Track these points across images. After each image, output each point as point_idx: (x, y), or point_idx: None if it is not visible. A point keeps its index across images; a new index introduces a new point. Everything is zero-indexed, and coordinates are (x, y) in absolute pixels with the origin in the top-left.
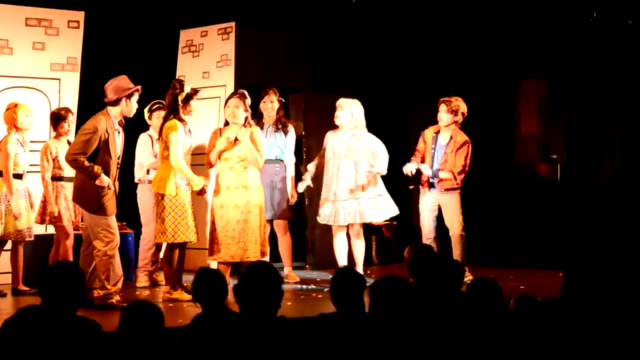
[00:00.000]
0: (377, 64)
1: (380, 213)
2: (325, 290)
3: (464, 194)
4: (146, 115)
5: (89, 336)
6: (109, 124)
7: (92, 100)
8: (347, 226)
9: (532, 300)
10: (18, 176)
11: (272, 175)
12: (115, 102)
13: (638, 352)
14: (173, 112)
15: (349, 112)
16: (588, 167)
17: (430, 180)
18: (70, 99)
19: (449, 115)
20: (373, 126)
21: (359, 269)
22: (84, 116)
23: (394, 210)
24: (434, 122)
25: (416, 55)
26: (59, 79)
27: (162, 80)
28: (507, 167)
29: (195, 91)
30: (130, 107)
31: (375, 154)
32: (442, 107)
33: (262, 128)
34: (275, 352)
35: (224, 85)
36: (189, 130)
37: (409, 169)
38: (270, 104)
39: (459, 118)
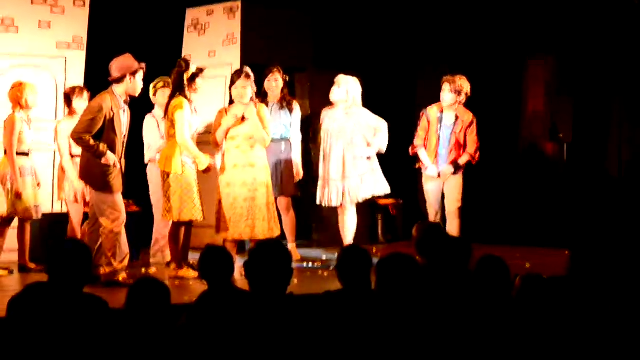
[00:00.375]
0: (383, 42)
1: (367, 190)
2: (332, 268)
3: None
4: (151, 92)
5: (96, 313)
6: (114, 102)
7: (98, 79)
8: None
9: (537, 279)
10: (24, 154)
11: (278, 154)
12: (120, 80)
13: None
14: (179, 90)
15: (345, 89)
16: (594, 146)
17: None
18: (76, 78)
19: (452, 95)
20: (379, 104)
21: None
22: (91, 95)
23: (384, 188)
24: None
25: (423, 32)
26: (65, 58)
27: (168, 59)
28: (513, 145)
29: (201, 70)
30: (135, 85)
31: (373, 131)
32: (445, 87)
33: (267, 106)
34: (285, 329)
35: (230, 64)
36: (195, 109)
37: (433, 172)
38: (275, 82)
39: (462, 98)
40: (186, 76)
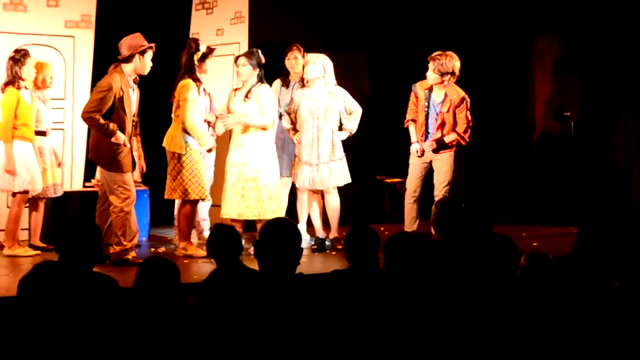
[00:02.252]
0: (390, 22)
1: (346, 174)
2: (339, 247)
3: (477, 151)
4: None
5: (105, 292)
6: (124, 81)
7: (106, 58)
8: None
9: (543, 257)
10: (41, 133)
11: (285, 132)
12: (129, 59)
13: None
14: (188, 71)
15: (321, 66)
16: (601, 124)
17: (433, 147)
18: (85, 57)
19: (435, 75)
20: (387, 85)
21: (335, 226)
22: (98, 74)
23: (349, 177)
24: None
25: (430, 12)
26: (73, 37)
27: (176, 37)
28: (519, 124)
29: (210, 50)
30: (144, 64)
31: (349, 111)
32: (430, 66)
33: (288, 85)
34: (294, 309)
35: (238, 43)
36: (204, 90)
37: (415, 148)
38: (295, 61)
39: (448, 78)
40: (196, 57)
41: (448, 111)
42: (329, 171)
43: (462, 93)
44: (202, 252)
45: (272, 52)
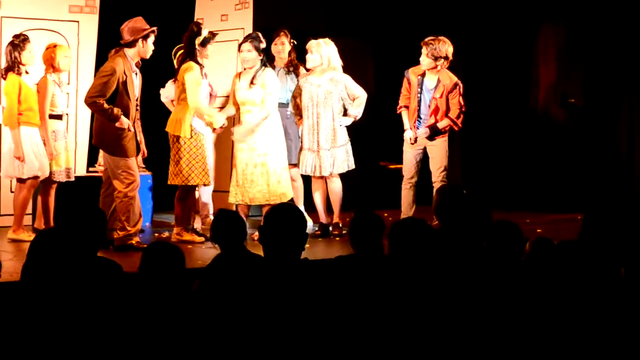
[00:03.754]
0: (394, 8)
1: (351, 160)
2: (344, 232)
3: (481, 138)
4: (175, 61)
5: (110, 277)
6: (127, 65)
7: (110, 43)
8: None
9: (547, 243)
10: (57, 117)
11: (284, 119)
12: (132, 44)
13: None
14: (190, 55)
15: (318, 55)
16: (605, 111)
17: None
18: (89, 42)
19: (428, 60)
20: (388, 70)
21: (338, 212)
22: (102, 59)
23: (353, 163)
24: (449, 68)
25: None
26: (78, 22)
27: (180, 23)
28: (523, 110)
29: (212, 35)
30: (147, 48)
31: (352, 97)
32: (423, 51)
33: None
34: (299, 294)
35: (242, 28)
36: (205, 75)
37: (409, 135)
38: (282, 46)
39: (442, 62)
40: (197, 41)
41: (441, 97)
42: (330, 158)
43: (455, 78)
44: (198, 238)
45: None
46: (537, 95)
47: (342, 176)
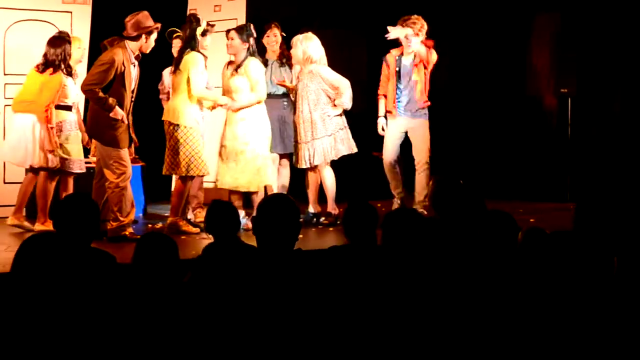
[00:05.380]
0: None
1: (341, 148)
2: (338, 222)
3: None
4: (172, 47)
5: (103, 268)
6: (126, 56)
7: (104, 34)
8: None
9: (540, 233)
10: (67, 108)
11: (280, 110)
12: (135, 38)
13: None
14: (191, 46)
15: (300, 49)
16: (599, 101)
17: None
18: (82, 33)
19: (416, 39)
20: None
21: (331, 201)
22: (95, 49)
23: (354, 146)
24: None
25: None
26: (71, 12)
27: (173, 13)
28: (517, 100)
29: (211, 26)
30: (149, 43)
31: (332, 87)
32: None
33: (266, 64)
34: (293, 285)
35: (235, 19)
36: (206, 65)
37: (381, 124)
38: (274, 38)
39: (422, 37)
40: (198, 32)
41: (417, 65)
42: (311, 149)
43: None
44: (194, 229)
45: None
46: (531, 84)
47: (337, 167)
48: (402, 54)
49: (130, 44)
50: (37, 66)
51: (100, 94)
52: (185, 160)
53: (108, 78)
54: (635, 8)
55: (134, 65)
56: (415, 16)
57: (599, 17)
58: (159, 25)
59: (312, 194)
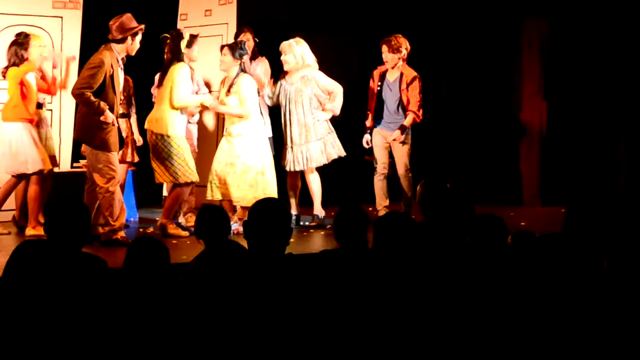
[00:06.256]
0: (378, 3)
1: (330, 152)
2: (328, 226)
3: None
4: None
5: (95, 272)
6: (114, 59)
7: (94, 39)
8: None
9: (529, 236)
10: (38, 106)
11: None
12: (120, 40)
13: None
14: (177, 59)
15: (292, 55)
16: (588, 105)
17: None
18: (73, 38)
19: (392, 55)
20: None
21: (317, 204)
22: (86, 55)
23: (342, 150)
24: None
25: None
26: (61, 17)
27: (164, 18)
28: (507, 104)
29: (194, 36)
30: (135, 45)
31: (326, 92)
32: (384, 49)
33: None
34: (283, 289)
35: (226, 23)
36: (193, 78)
37: (366, 139)
38: (247, 43)
39: (403, 54)
40: (183, 44)
41: (405, 89)
42: (305, 153)
43: (415, 73)
44: (184, 232)
45: (260, 33)
46: (520, 87)
47: (327, 171)
48: (386, 70)
49: (116, 47)
50: (2, 74)
51: (92, 98)
52: (173, 169)
53: (98, 81)
54: (623, 11)
55: (121, 69)
56: (397, 38)
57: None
58: (142, 26)
59: (295, 196)
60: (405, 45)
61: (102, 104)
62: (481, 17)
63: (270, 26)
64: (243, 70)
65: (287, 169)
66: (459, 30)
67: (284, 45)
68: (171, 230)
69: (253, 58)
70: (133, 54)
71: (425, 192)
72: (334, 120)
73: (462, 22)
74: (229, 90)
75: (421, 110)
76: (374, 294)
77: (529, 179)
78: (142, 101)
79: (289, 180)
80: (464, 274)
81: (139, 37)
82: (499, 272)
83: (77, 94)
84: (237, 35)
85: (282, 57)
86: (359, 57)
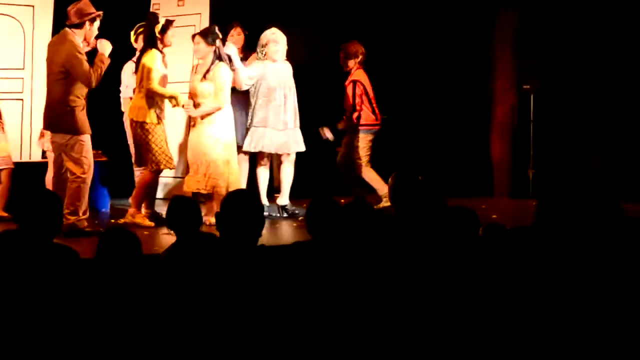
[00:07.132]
0: None
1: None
2: (300, 218)
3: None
4: (132, 38)
5: (67, 263)
6: (78, 44)
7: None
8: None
9: (500, 229)
10: None
11: (246, 107)
12: (79, 25)
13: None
14: (151, 44)
15: (284, 45)
16: (559, 98)
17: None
18: (44, 26)
19: (345, 62)
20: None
21: (286, 194)
22: None
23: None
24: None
25: None
26: (33, 6)
27: (136, 8)
28: (480, 97)
29: (170, 22)
30: (92, 31)
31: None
32: (341, 56)
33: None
34: (256, 280)
35: (199, 14)
36: (165, 63)
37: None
38: (238, 37)
39: (360, 58)
40: (157, 29)
41: (348, 85)
42: (294, 136)
43: (358, 78)
44: (149, 223)
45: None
46: (493, 81)
47: (299, 162)
48: (348, 74)
49: (77, 33)
50: None
51: (92, 72)
52: (151, 156)
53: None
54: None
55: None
56: (354, 45)
57: (558, 13)
58: (100, 12)
59: (264, 186)
60: (360, 50)
61: (98, 61)
62: (455, 10)
63: (242, 16)
64: (219, 57)
65: (275, 151)
66: (433, 23)
67: (278, 36)
68: (137, 219)
69: (245, 58)
70: (91, 40)
71: (397, 185)
72: (301, 112)
73: (436, 14)
74: (204, 76)
75: (355, 114)
76: (346, 286)
77: (500, 172)
78: (107, 92)
79: (260, 168)
80: (435, 266)
81: (97, 24)
82: (471, 264)
83: (93, 84)
84: (227, 31)
85: (275, 47)
86: (328, 49)
